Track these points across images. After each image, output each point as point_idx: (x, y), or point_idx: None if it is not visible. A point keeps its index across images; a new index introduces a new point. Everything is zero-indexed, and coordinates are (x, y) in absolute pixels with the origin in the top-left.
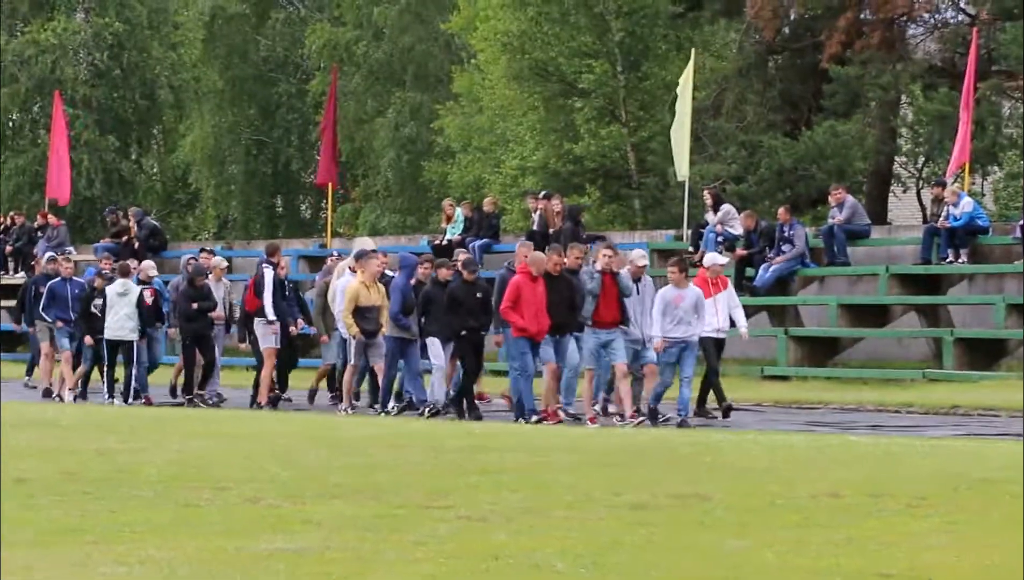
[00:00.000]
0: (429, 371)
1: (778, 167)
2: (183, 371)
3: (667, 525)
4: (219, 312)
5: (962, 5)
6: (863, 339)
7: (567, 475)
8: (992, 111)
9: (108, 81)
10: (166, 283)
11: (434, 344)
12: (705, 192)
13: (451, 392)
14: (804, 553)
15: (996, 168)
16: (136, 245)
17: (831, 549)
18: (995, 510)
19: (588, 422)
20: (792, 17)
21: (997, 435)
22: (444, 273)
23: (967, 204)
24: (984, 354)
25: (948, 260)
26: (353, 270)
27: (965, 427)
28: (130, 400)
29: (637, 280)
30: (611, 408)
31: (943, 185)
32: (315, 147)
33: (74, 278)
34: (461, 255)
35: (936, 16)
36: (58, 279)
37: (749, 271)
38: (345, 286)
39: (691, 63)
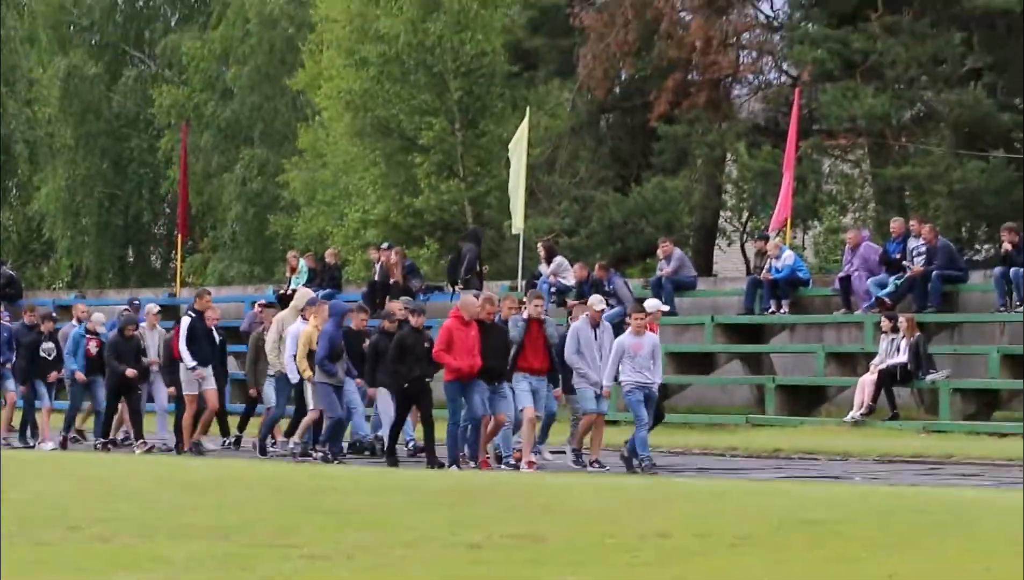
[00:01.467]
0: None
1: (609, 221)
2: (94, 416)
3: (502, 564)
4: (153, 357)
5: (784, 67)
6: (690, 385)
7: (407, 515)
8: (813, 168)
9: None
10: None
11: (383, 396)
12: (539, 245)
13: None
14: None
15: (816, 223)
16: None
17: None
18: (818, 549)
19: (525, 466)
20: (623, 78)
21: (817, 477)
22: (388, 325)
23: (788, 257)
24: (805, 400)
25: (770, 310)
26: (305, 317)
27: (786, 470)
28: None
29: (595, 325)
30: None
31: (766, 239)
32: (165, 200)
33: (2, 322)
34: (397, 304)
35: (760, 77)
36: None
37: None
38: (297, 332)
39: (526, 121)
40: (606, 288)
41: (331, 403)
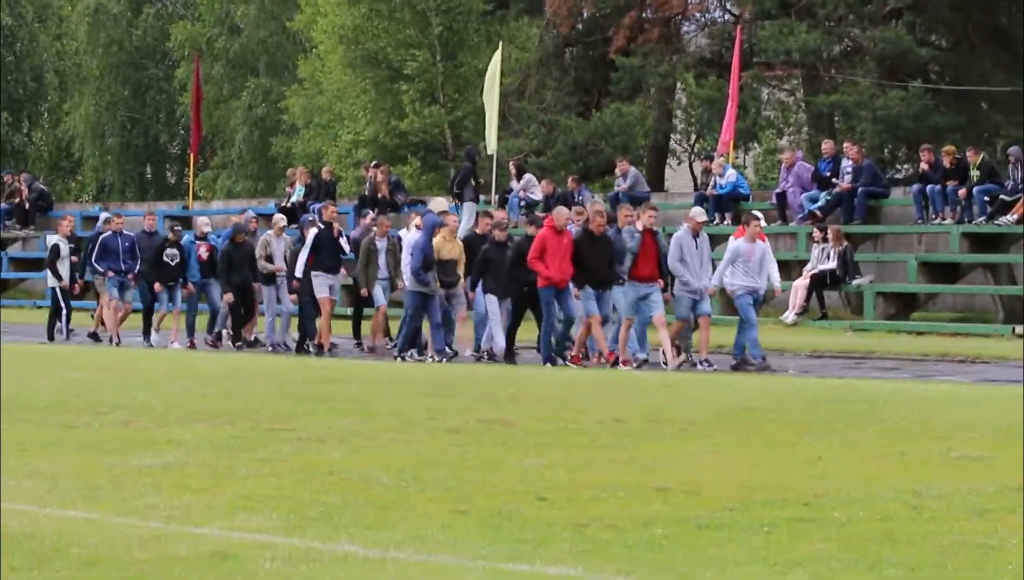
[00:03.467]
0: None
1: (572, 143)
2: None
3: (476, 446)
4: (279, 264)
5: (728, 6)
6: None
7: (392, 403)
8: (753, 96)
9: (2, 66)
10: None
11: (492, 301)
12: (510, 163)
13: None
14: (592, 470)
15: (756, 145)
16: (27, 205)
17: (615, 467)
18: (754, 434)
19: (621, 365)
20: (585, 15)
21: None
22: (500, 234)
23: (731, 175)
24: None
25: (715, 222)
26: (418, 227)
27: (727, 364)
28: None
29: (696, 235)
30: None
31: (711, 159)
32: (180, 123)
33: (124, 232)
34: (502, 213)
35: (706, 15)
36: (109, 233)
37: None
38: (414, 241)
39: (499, 53)
40: (576, 200)
41: (416, 311)
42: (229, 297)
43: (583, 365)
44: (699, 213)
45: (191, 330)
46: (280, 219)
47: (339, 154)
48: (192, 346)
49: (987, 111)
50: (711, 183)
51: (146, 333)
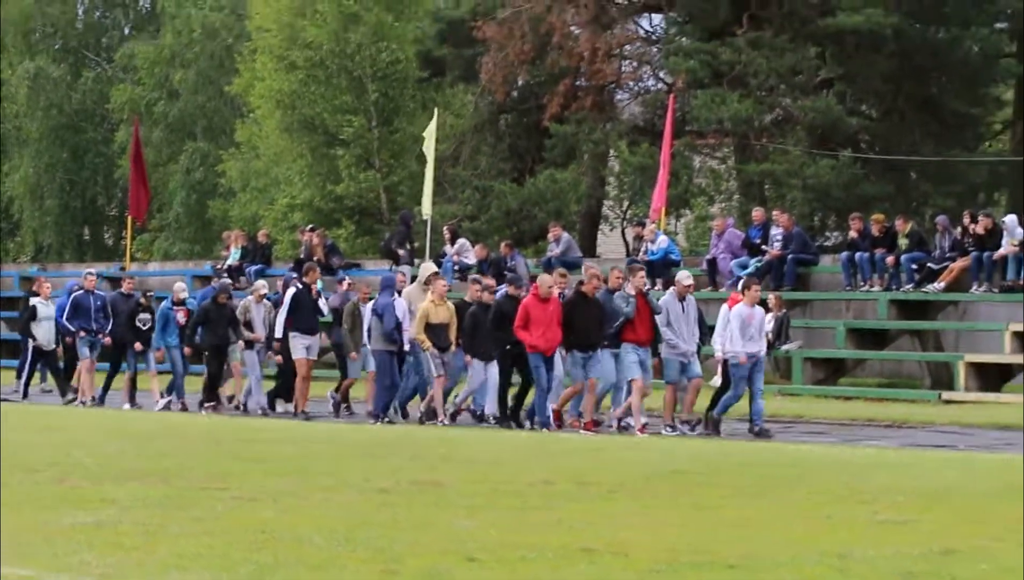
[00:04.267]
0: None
1: (506, 208)
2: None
3: (408, 507)
4: (258, 334)
5: (661, 75)
6: None
7: (326, 463)
8: (685, 164)
9: None
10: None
11: (476, 365)
12: (444, 228)
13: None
14: (522, 531)
15: (687, 211)
16: None
17: (544, 528)
18: (682, 496)
19: (638, 432)
20: (520, 82)
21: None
22: (487, 297)
23: (663, 241)
24: None
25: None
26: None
27: (656, 426)
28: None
29: (682, 299)
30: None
31: (643, 225)
32: (118, 185)
33: (96, 291)
34: (489, 279)
35: (639, 84)
36: (81, 292)
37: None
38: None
39: (434, 120)
40: (508, 264)
41: (389, 369)
42: (188, 351)
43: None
44: (685, 277)
45: (181, 392)
46: (261, 285)
47: (275, 217)
48: (184, 408)
49: (916, 180)
50: (643, 249)
51: (104, 392)
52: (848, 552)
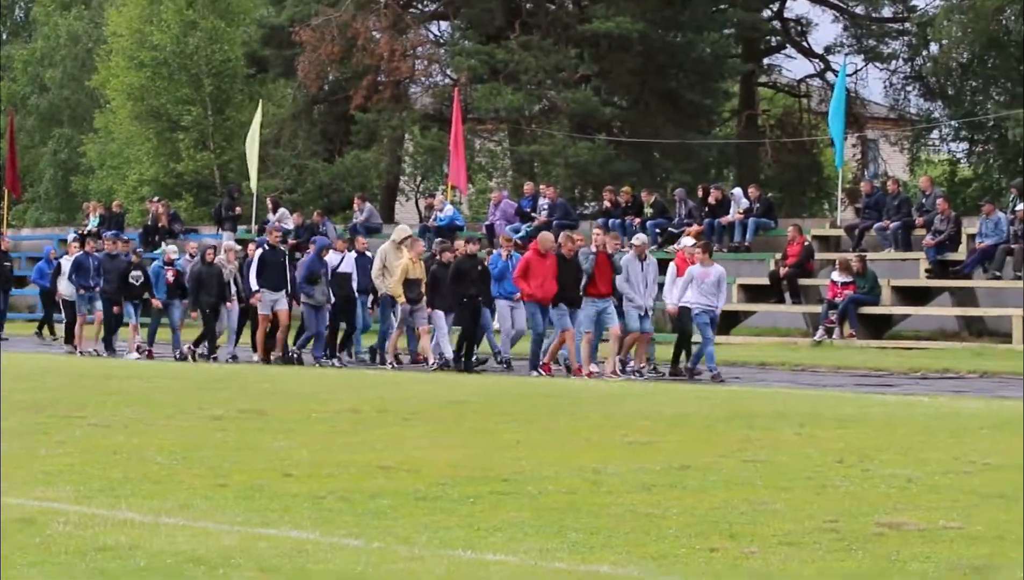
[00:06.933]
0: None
1: (319, 182)
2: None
3: (236, 431)
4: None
5: (448, 71)
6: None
7: (169, 395)
8: (468, 146)
9: None
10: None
11: (438, 316)
12: (268, 199)
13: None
14: (331, 451)
15: (470, 185)
16: None
17: (349, 448)
18: (465, 422)
19: (586, 377)
20: (330, 78)
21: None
22: (447, 256)
23: (449, 209)
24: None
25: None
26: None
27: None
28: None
29: (641, 258)
30: (630, 366)
31: (433, 196)
32: None
33: (94, 253)
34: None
35: (430, 79)
36: (82, 253)
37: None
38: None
39: (259, 109)
40: (320, 229)
41: (309, 319)
42: (195, 314)
43: (552, 374)
44: (639, 239)
45: (151, 340)
46: (231, 244)
47: (127, 191)
48: (150, 356)
49: (659, 159)
50: (432, 216)
51: (108, 344)
52: (602, 468)
